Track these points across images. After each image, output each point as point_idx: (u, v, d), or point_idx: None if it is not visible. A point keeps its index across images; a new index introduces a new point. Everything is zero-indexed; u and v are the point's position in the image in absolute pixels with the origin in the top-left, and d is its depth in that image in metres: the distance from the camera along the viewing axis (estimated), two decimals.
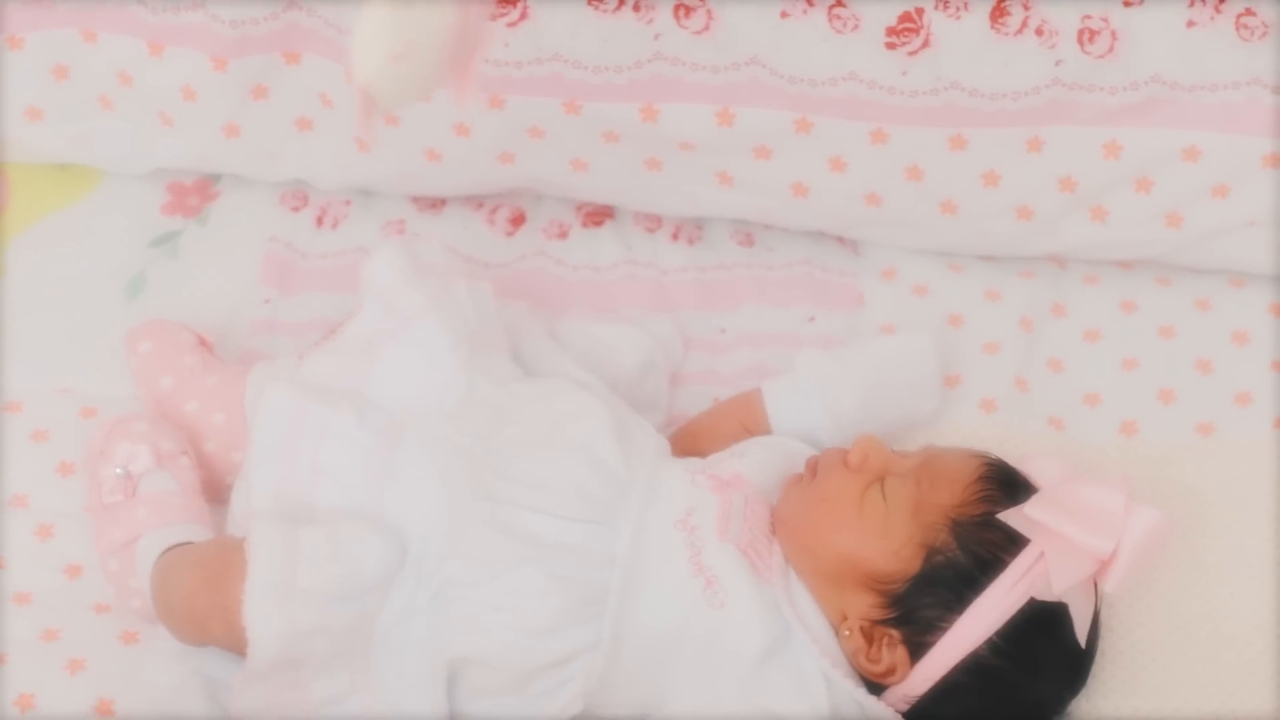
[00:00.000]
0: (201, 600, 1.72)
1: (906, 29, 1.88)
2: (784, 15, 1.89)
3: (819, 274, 2.09)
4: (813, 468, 1.77)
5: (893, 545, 1.68)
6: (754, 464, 1.79)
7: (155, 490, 1.81)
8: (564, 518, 1.70)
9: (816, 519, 1.72)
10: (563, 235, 2.13)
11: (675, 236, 2.12)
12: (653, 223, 2.13)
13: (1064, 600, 1.66)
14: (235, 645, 1.68)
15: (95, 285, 2.09)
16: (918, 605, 1.68)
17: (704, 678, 1.69)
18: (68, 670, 1.79)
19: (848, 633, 1.69)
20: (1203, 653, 1.79)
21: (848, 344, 1.98)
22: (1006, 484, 1.72)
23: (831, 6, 1.88)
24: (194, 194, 2.16)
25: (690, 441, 1.91)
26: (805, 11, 1.89)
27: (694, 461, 1.80)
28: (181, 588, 1.74)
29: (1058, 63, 1.88)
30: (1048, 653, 1.69)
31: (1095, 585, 1.71)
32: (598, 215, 2.14)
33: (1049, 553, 1.66)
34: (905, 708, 1.71)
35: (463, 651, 1.68)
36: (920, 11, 1.87)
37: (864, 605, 1.69)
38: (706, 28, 1.90)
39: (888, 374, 1.92)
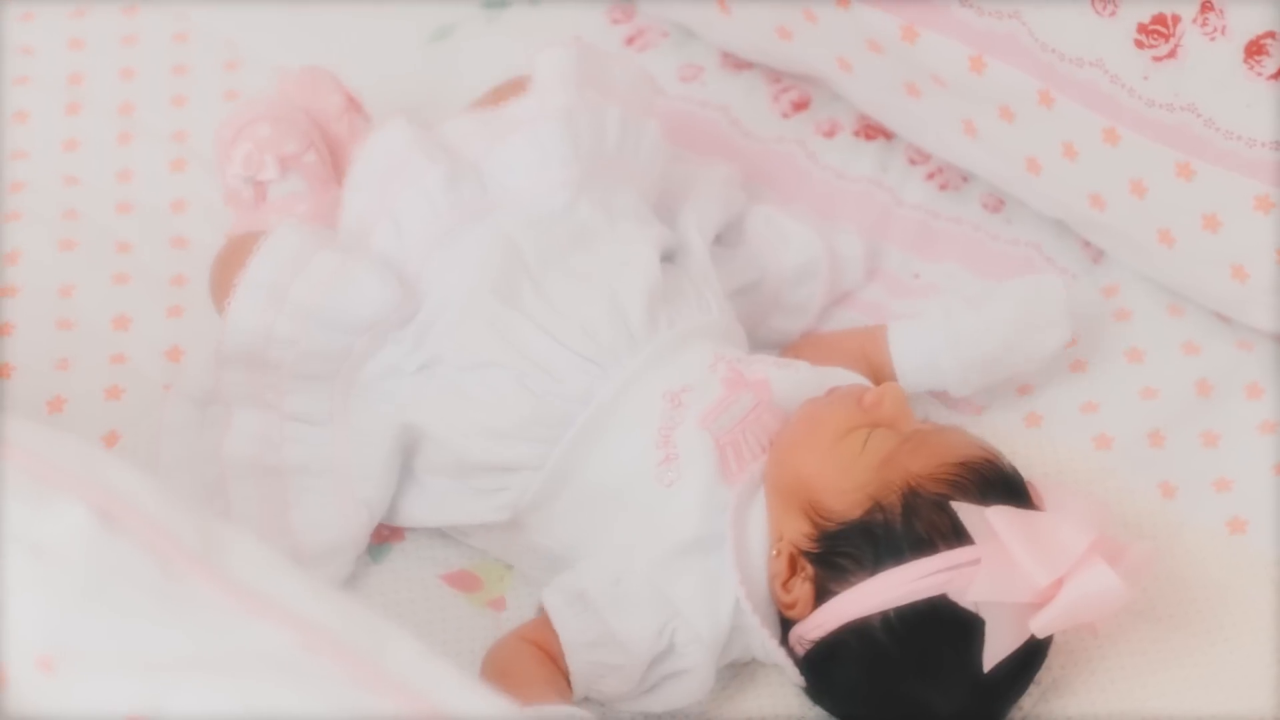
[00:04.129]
0: (217, 272, 1.85)
1: (1157, 31, 1.76)
2: None
3: (1039, 261, 1.99)
4: (831, 391, 1.72)
5: (845, 485, 1.63)
6: (792, 379, 1.75)
7: (284, 195, 1.92)
8: (560, 344, 1.72)
9: (796, 434, 1.69)
10: (829, 134, 2.10)
11: (931, 176, 2.06)
12: (919, 157, 2.08)
13: (980, 614, 1.57)
14: None
15: (409, 19, 2.21)
16: (838, 550, 1.62)
17: (628, 545, 1.69)
18: (167, 313, 1.95)
19: (775, 553, 1.65)
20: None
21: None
22: (989, 482, 1.62)
23: None
24: None
25: (805, 348, 1.90)
26: None
27: (734, 352, 1.77)
28: (215, 258, 1.86)
29: None
30: (944, 661, 1.60)
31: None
32: (873, 131, 2.10)
33: (985, 561, 1.57)
34: (801, 652, 1.66)
35: (419, 422, 1.73)
36: (1176, 19, 1.75)
37: (798, 531, 1.64)
38: None
39: (1018, 311, 1.85)
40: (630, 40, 2.19)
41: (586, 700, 1.66)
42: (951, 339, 1.83)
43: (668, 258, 1.84)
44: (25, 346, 1.91)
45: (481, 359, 1.73)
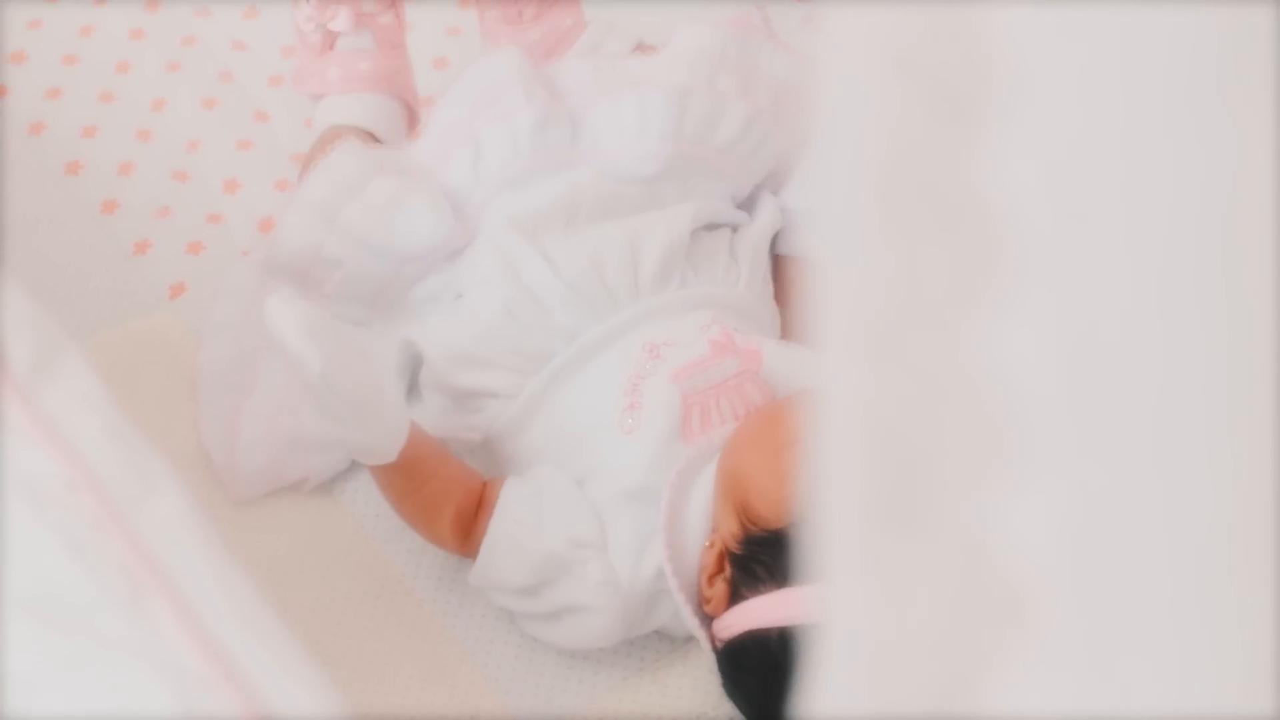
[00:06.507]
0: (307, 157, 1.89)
1: None
2: None
3: None
4: (807, 391, 1.66)
5: (779, 495, 1.58)
6: (788, 358, 1.70)
7: (350, 50, 1.92)
8: (559, 276, 1.70)
9: (752, 427, 1.64)
10: None
11: None
12: None
13: None
14: None
15: None
16: (757, 557, 1.58)
17: (580, 481, 1.68)
18: (275, 185, 2.01)
19: (709, 544, 1.62)
20: None
21: None
22: None
23: None
24: None
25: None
26: None
27: (737, 324, 1.73)
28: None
29: None
30: None
31: None
32: None
33: None
34: (716, 647, 1.63)
35: (414, 337, 1.75)
36: None
37: (729, 531, 1.61)
38: None
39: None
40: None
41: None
42: None
43: (726, 223, 1.81)
44: (137, 188, 1.99)
45: (478, 276, 1.73)
